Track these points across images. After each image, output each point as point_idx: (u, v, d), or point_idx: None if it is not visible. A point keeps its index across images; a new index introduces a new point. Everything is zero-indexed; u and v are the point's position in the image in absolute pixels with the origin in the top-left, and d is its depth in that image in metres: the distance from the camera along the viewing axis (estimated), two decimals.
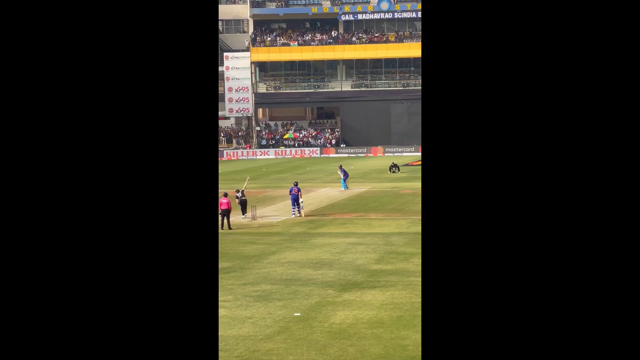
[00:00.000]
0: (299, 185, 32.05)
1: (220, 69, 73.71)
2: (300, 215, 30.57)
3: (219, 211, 26.72)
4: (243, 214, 30.78)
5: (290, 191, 31.30)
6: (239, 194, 31.08)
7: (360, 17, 75.38)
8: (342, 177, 40.57)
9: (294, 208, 31.04)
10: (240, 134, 76.80)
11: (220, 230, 26.96)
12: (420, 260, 21.16)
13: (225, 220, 27.56)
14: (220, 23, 76.67)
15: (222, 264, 20.97)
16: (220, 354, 12.99)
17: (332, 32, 75.90)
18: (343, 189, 39.84)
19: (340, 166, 42.89)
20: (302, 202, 31.13)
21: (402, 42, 74.45)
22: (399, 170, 50.29)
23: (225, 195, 27.69)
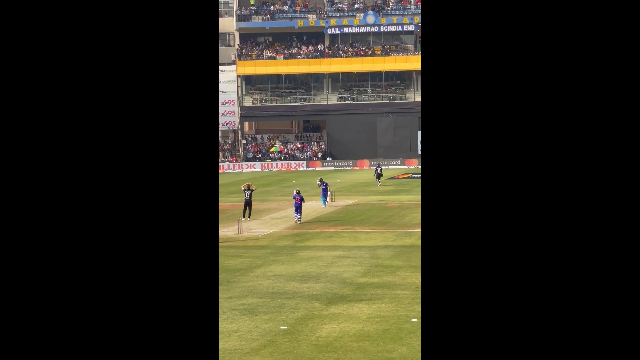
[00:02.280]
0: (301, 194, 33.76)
1: None
2: (299, 222, 32.18)
3: None
4: (244, 216, 33.13)
5: (294, 199, 32.70)
6: (248, 193, 33.60)
7: (346, 30, 75.59)
8: (322, 194, 38.36)
9: (296, 214, 32.50)
10: (226, 147, 76.73)
11: None
12: (406, 273, 21.13)
13: None
14: None
15: None
16: None
17: (319, 46, 76.07)
18: (323, 206, 37.84)
19: (321, 179, 40.19)
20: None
21: (388, 55, 74.70)
22: (380, 174, 51.15)
23: None
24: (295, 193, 33.13)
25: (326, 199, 38.54)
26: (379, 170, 52.16)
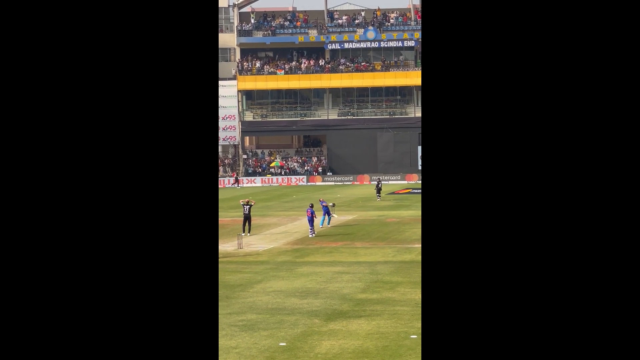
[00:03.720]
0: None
1: None
2: (314, 234, 33.05)
3: None
4: (243, 231, 33.30)
5: (307, 212, 33.53)
6: (247, 207, 33.76)
7: (346, 45, 75.78)
8: (323, 214, 35.90)
9: (311, 228, 33.27)
10: (227, 162, 76.78)
11: None
12: (406, 289, 21.04)
13: None
14: None
15: None
16: None
17: (319, 61, 76.26)
18: (320, 226, 35.44)
19: (321, 200, 37.49)
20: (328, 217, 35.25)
21: (389, 70, 74.86)
22: (380, 189, 51.23)
23: None
24: (309, 207, 33.79)
25: (324, 220, 36.18)
26: (379, 185, 52.32)
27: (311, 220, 33.26)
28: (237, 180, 70.09)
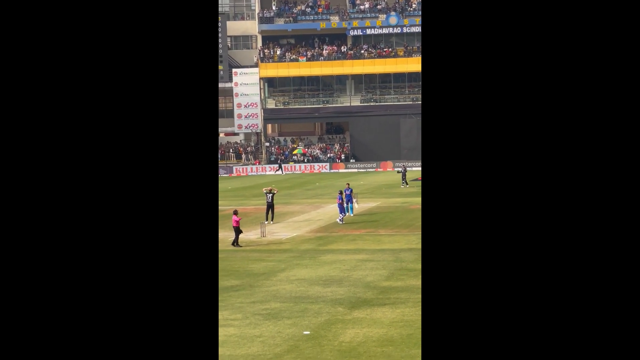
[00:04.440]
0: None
1: (229, 85, 73.82)
2: (342, 221, 32.99)
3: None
4: (266, 220, 33.26)
5: (337, 199, 33.77)
6: (270, 196, 33.69)
7: (368, 32, 75.44)
8: (345, 200, 34.37)
9: (342, 215, 33.20)
10: (249, 149, 76.85)
11: (232, 248, 27.03)
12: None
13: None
14: (228, 39, 76.85)
15: (231, 282, 20.87)
16: None
17: (341, 47, 75.98)
18: (350, 214, 34.87)
19: (348, 185, 36.70)
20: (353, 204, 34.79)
21: (411, 56, 74.44)
22: (405, 175, 50.80)
23: (235, 212, 27.84)
24: (338, 193, 33.95)
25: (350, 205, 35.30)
26: (404, 172, 52.17)
27: (340, 206, 33.20)
28: (280, 167, 70.31)
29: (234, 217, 27.56)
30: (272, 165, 71.60)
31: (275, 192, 34.56)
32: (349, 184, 37.24)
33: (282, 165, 70.84)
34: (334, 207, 37.55)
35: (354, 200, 36.48)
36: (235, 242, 27.51)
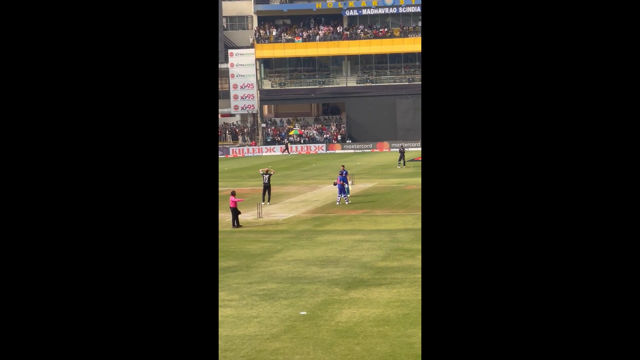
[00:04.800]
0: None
1: (225, 66, 73.65)
2: (346, 202, 32.79)
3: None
4: (263, 200, 33.25)
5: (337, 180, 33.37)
6: (267, 177, 33.76)
7: (364, 12, 75.22)
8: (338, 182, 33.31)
9: (341, 196, 32.92)
10: (245, 130, 76.78)
11: (230, 229, 27.10)
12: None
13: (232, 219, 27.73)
14: (224, 20, 76.61)
15: (228, 263, 20.93)
16: (226, 353, 12.96)
17: (337, 28, 75.75)
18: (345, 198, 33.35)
19: (343, 167, 35.83)
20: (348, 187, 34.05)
21: (407, 36, 74.28)
22: (403, 155, 50.90)
23: (233, 193, 27.89)
24: (339, 174, 33.70)
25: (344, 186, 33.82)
26: (402, 151, 52.22)
27: (341, 188, 32.83)
28: (287, 148, 70.37)
29: (232, 198, 27.59)
30: (280, 146, 71.70)
31: (271, 173, 34.59)
32: (344, 166, 36.71)
33: (289, 146, 70.94)
34: (330, 188, 37.59)
35: (349, 182, 36.40)
36: (236, 223, 27.56)
